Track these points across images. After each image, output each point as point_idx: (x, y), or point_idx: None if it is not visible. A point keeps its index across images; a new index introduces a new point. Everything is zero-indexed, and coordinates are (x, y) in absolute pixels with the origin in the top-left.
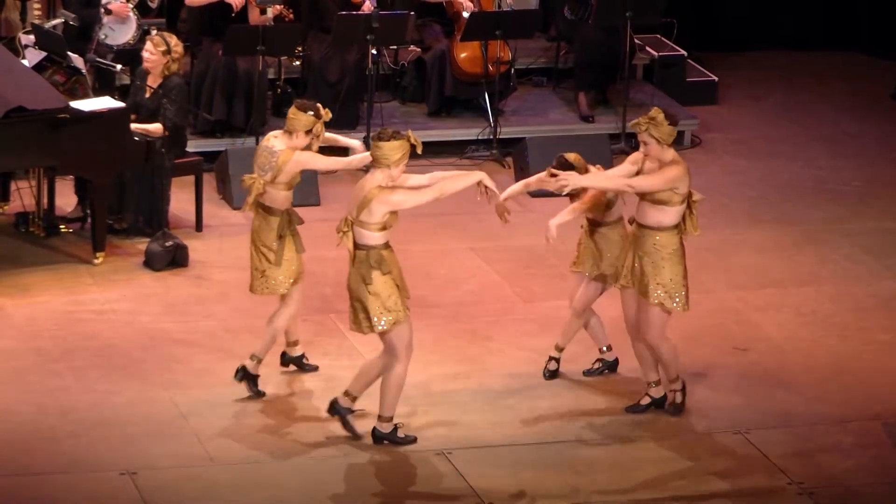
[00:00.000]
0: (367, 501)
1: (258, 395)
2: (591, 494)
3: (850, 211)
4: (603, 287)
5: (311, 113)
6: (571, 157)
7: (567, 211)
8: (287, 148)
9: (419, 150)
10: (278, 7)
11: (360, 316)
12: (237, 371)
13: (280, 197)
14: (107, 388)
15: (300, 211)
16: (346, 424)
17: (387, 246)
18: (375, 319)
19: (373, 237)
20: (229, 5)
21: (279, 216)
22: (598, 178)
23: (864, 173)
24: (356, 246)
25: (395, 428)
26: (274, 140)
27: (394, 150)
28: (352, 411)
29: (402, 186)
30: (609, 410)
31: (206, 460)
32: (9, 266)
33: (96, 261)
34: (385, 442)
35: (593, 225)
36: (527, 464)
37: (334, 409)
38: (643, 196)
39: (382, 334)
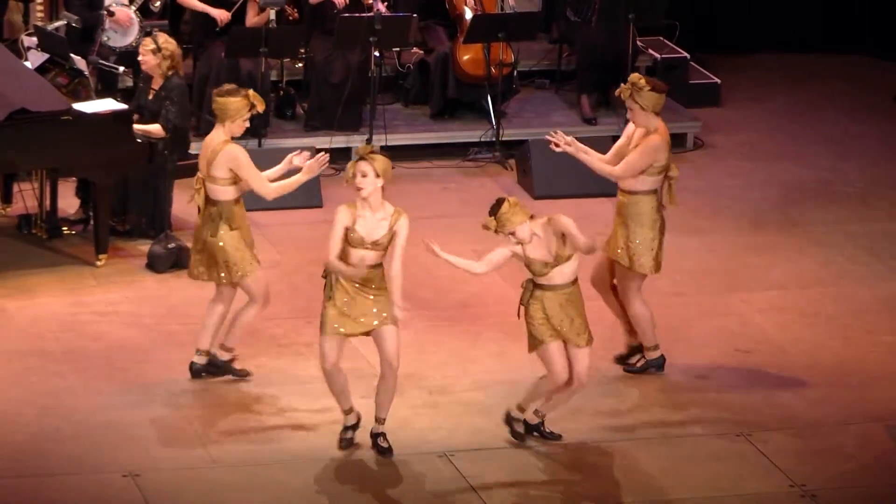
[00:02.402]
0: (362, 500)
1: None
2: (591, 497)
3: (853, 212)
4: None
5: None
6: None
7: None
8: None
9: (260, 109)
10: (292, 9)
11: (201, 268)
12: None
13: (222, 191)
14: (110, 390)
15: (301, 213)
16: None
17: (237, 202)
18: (232, 271)
19: (224, 192)
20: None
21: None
22: (591, 160)
23: (866, 174)
24: (208, 201)
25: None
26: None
27: (230, 105)
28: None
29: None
30: (613, 412)
31: (209, 462)
32: (12, 268)
33: (99, 263)
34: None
35: None
36: (529, 466)
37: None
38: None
39: (238, 283)
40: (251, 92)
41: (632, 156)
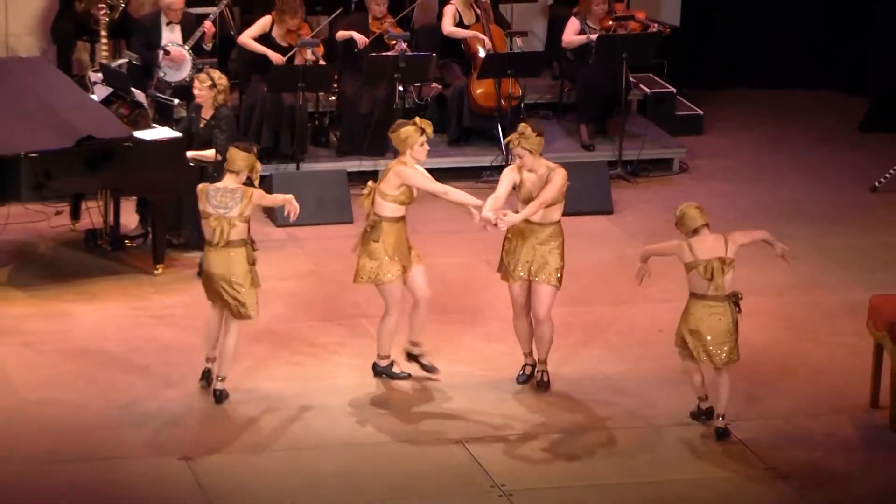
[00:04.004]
0: (392, 484)
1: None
2: (587, 476)
3: (822, 229)
4: None
5: (252, 153)
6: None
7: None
8: (243, 186)
9: (429, 132)
10: (320, 49)
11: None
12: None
13: (243, 229)
14: (165, 384)
15: (334, 228)
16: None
17: (390, 219)
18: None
19: (383, 207)
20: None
21: (243, 246)
22: (525, 211)
23: (834, 196)
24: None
25: (392, 364)
26: (223, 183)
27: (401, 135)
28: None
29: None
30: (605, 404)
31: (253, 446)
32: (79, 277)
33: (156, 272)
34: (383, 376)
35: None
36: (535, 451)
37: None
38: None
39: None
40: (418, 119)
41: (552, 190)
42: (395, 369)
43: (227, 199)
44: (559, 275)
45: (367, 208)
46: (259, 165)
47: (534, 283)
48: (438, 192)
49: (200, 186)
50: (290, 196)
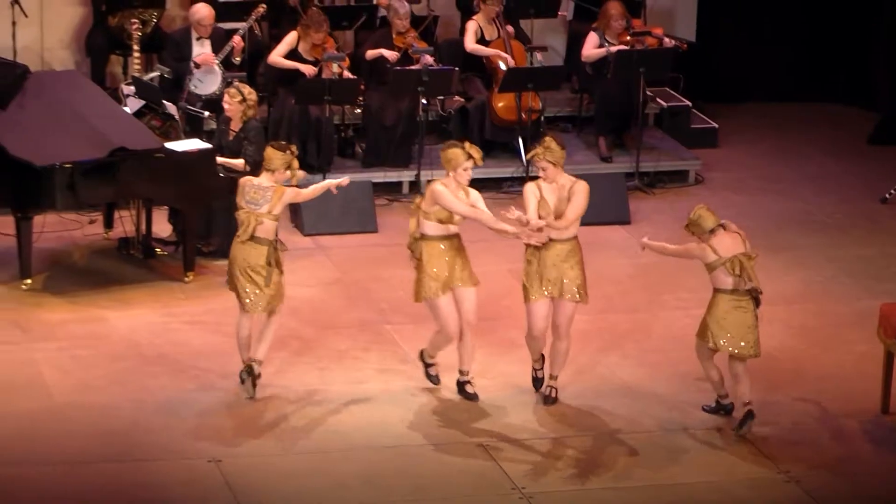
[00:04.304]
0: (415, 486)
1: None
2: (608, 477)
3: (831, 239)
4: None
5: (288, 152)
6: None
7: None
8: (275, 185)
9: (476, 157)
10: (346, 62)
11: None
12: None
13: (270, 227)
14: (196, 387)
15: (359, 237)
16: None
17: (434, 237)
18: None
19: (424, 224)
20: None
21: (267, 245)
22: (558, 223)
23: (843, 207)
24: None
25: (432, 366)
26: (259, 179)
27: (449, 155)
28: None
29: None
30: (624, 411)
31: (281, 450)
32: (112, 283)
33: (187, 279)
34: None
35: None
36: (555, 454)
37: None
38: (559, 216)
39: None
40: (467, 143)
41: (579, 204)
42: (431, 371)
43: (259, 196)
44: (582, 290)
45: (412, 227)
46: (296, 163)
47: (556, 300)
48: (468, 216)
49: (242, 180)
50: (330, 181)
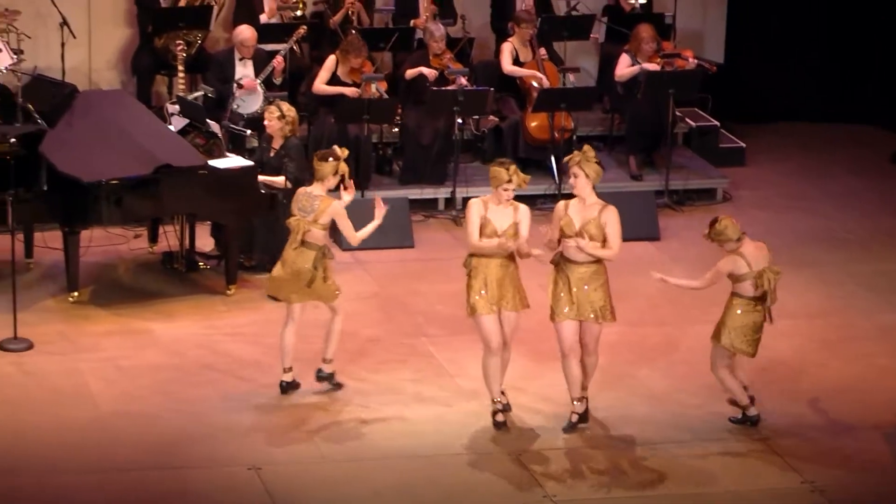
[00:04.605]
0: (448, 494)
1: (339, 387)
2: (638, 485)
3: (853, 255)
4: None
5: (331, 159)
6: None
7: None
8: (325, 195)
9: (514, 180)
10: (384, 83)
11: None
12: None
13: (318, 235)
14: (237, 397)
15: (396, 252)
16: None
17: (474, 255)
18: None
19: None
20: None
21: (315, 250)
22: (599, 252)
23: (866, 224)
24: None
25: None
26: (311, 188)
27: (493, 174)
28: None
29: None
30: (650, 420)
31: (318, 458)
32: (156, 296)
33: (229, 292)
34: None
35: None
36: (584, 463)
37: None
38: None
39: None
40: (514, 167)
41: (617, 232)
42: (499, 418)
43: (309, 204)
44: (607, 311)
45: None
46: (343, 166)
47: (583, 322)
48: (473, 243)
49: (300, 190)
50: (376, 222)
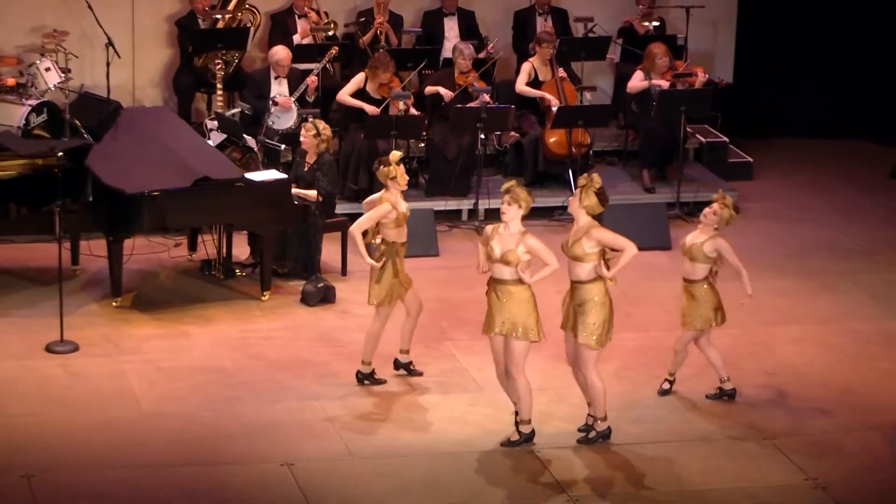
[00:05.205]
0: (471, 489)
1: (381, 382)
2: (650, 485)
3: (858, 265)
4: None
5: (381, 167)
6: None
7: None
8: (383, 196)
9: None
10: (411, 100)
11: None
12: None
13: (387, 233)
14: (271, 398)
15: (422, 261)
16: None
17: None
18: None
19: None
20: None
21: (388, 245)
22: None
23: (869, 235)
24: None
25: (526, 430)
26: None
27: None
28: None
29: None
30: (661, 420)
31: (347, 455)
32: (195, 301)
33: (264, 298)
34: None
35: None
36: (599, 460)
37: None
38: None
39: None
40: (523, 190)
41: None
42: (523, 429)
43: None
44: (596, 334)
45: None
46: (392, 169)
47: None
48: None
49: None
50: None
